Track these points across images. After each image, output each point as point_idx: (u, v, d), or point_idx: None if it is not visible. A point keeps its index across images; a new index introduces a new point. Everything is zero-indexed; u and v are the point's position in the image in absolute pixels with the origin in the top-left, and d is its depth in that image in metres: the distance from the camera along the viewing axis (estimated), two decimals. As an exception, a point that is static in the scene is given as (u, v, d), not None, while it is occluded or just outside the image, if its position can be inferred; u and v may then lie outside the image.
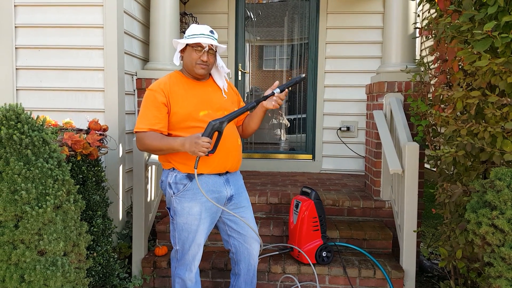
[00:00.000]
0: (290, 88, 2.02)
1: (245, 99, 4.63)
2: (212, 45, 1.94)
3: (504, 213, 1.70)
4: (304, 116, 4.57)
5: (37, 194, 1.67)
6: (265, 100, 1.97)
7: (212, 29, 1.98)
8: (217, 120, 1.83)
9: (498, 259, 1.72)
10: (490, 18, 1.86)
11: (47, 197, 1.68)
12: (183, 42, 1.96)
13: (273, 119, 4.72)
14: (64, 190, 1.76)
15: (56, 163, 1.77)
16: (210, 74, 2.12)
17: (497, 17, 1.83)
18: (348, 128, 4.34)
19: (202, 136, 1.79)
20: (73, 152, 2.19)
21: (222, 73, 2.11)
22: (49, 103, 2.94)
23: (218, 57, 2.06)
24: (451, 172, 2.39)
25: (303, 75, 2.02)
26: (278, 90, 1.95)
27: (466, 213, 1.88)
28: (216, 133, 1.84)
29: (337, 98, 4.38)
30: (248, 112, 2.13)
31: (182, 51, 2.01)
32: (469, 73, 2.10)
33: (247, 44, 4.62)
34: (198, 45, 1.93)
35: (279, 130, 4.71)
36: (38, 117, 1.83)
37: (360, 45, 4.32)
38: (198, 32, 1.93)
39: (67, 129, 2.38)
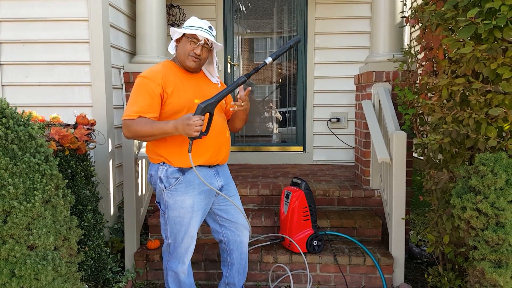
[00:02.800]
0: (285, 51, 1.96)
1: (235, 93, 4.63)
2: (208, 40, 1.94)
3: (488, 197, 1.73)
4: (294, 108, 4.58)
5: (25, 189, 1.66)
6: (256, 72, 1.90)
7: (211, 26, 1.98)
8: (206, 102, 1.81)
9: (482, 242, 1.76)
10: (474, 5, 1.88)
11: (35, 192, 1.67)
12: (180, 31, 1.95)
13: (265, 113, 4.73)
14: (53, 185, 1.76)
15: (44, 157, 1.76)
16: (201, 69, 2.12)
17: (480, 4, 1.85)
18: (338, 119, 4.37)
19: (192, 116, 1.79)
20: (61, 147, 2.18)
21: (214, 72, 2.12)
22: (36, 98, 2.91)
23: (214, 56, 2.07)
24: (438, 160, 2.42)
25: (299, 37, 1.99)
26: (270, 58, 1.92)
27: (451, 198, 1.92)
28: (207, 115, 1.82)
29: (327, 89, 4.40)
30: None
31: (178, 41, 2.00)
32: (454, 61, 2.12)
33: (238, 37, 4.60)
34: (194, 36, 1.93)
35: (271, 123, 4.72)
36: (23, 111, 1.82)
37: (349, 36, 4.33)
38: (197, 25, 1.93)
39: (54, 124, 2.37)
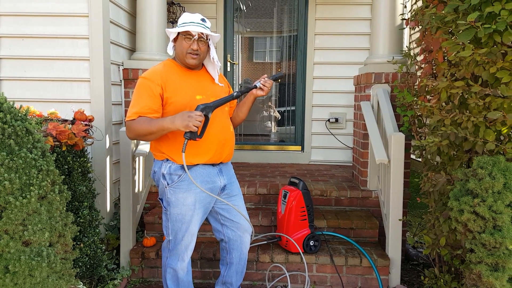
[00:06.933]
0: (276, 80, 2.15)
1: (236, 90, 4.62)
2: (202, 33, 1.92)
3: (485, 201, 1.73)
4: (293, 108, 4.58)
5: (21, 185, 1.65)
6: (247, 92, 2.04)
7: (204, 18, 1.96)
8: (205, 105, 1.82)
9: (479, 245, 1.76)
10: (474, 9, 1.88)
11: (31, 187, 1.66)
12: (174, 31, 1.94)
13: (264, 112, 4.73)
14: (49, 181, 1.75)
15: (40, 153, 1.75)
16: (203, 64, 2.09)
17: (481, 8, 1.85)
18: (336, 120, 4.37)
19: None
20: (58, 143, 2.17)
21: (216, 65, 2.08)
22: (34, 93, 2.89)
23: (212, 48, 2.02)
24: (435, 162, 2.42)
25: (283, 72, 2.12)
26: (259, 84, 2.04)
27: (449, 201, 1.92)
28: (203, 119, 1.82)
29: (326, 89, 4.40)
30: (236, 101, 2.20)
31: (175, 40, 1.99)
32: (453, 64, 2.12)
33: (238, 36, 4.59)
34: (188, 33, 1.91)
35: (269, 122, 4.72)
36: (21, 106, 1.81)
37: (349, 37, 4.33)
38: (188, 21, 1.91)
39: (52, 119, 2.35)
